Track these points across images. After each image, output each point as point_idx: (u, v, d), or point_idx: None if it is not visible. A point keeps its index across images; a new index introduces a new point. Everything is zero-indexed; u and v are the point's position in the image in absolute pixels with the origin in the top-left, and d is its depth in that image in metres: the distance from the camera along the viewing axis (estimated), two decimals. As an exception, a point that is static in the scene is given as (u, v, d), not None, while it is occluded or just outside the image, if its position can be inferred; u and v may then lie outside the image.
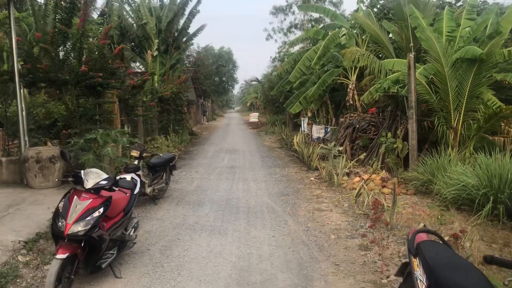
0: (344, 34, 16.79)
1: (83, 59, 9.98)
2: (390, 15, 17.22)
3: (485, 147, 9.90)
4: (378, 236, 5.04)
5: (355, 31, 17.59)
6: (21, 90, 9.50)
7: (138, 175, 8.08)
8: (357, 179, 10.27)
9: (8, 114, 10.78)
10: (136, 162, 8.23)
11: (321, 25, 30.83)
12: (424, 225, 5.97)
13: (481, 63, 10.19)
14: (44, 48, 9.34)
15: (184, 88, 22.55)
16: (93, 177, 4.76)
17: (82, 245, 4.50)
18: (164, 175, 9.22)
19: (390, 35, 16.01)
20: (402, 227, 6.62)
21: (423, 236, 3.15)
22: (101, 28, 14.54)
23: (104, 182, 4.72)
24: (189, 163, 14.73)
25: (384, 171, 11.10)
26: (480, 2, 16.39)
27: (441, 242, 3.19)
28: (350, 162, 11.98)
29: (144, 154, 8.36)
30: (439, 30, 12.57)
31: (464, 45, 11.67)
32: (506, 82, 12.45)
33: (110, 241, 4.98)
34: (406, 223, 6.82)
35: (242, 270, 5.15)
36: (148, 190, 8.43)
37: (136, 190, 5.79)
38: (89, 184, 4.68)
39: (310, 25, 38.13)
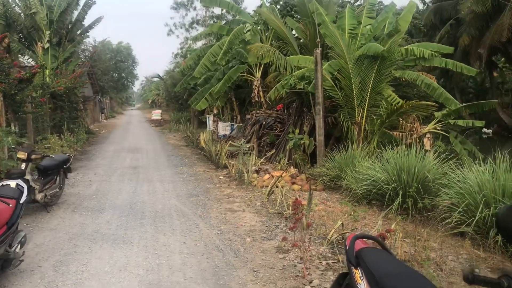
0: (248, 30, 16.60)
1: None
2: (293, 12, 17.39)
3: (387, 142, 10.27)
4: (298, 238, 4.77)
5: (259, 28, 17.49)
6: None
7: (27, 180, 7.15)
8: (267, 176, 10.06)
9: None
10: (23, 165, 7.21)
11: (224, 21, 30.61)
12: (342, 223, 5.83)
13: (382, 60, 10.48)
14: None
15: (79, 83, 20.94)
16: (-35, 186, 3.91)
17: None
18: (58, 178, 8.24)
19: (294, 32, 16.14)
20: (317, 225, 6.45)
21: (360, 243, 2.88)
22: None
23: (-21, 193, 3.90)
24: (86, 164, 13.58)
25: (292, 167, 11.04)
26: (377, 2, 17.09)
27: (380, 247, 2.94)
28: (258, 159, 11.78)
29: (33, 156, 7.34)
30: (342, 27, 12.84)
31: (365, 42, 12.02)
32: (403, 79, 13.06)
33: (-10, 262, 4.17)
34: (321, 221, 6.67)
35: (152, 285, 4.58)
36: (39, 196, 7.44)
37: (23, 199, 4.94)
38: (-41, 195, 3.84)
39: (212, 22, 37.70)
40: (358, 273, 2.57)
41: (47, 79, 17.52)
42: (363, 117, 10.54)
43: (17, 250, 4.73)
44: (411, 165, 7.39)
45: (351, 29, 12.93)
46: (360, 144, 10.24)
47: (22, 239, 4.90)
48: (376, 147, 10.20)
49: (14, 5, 22.18)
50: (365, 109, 10.53)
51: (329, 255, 5.28)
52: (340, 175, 8.91)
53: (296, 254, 5.21)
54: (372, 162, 8.45)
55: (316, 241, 5.75)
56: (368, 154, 9.56)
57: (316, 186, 9.31)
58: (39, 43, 21.07)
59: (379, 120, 10.46)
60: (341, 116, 10.77)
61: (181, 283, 4.61)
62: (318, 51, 10.05)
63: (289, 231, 6.08)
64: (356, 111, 10.59)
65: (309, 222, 5.32)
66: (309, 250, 4.97)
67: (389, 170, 7.58)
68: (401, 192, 7.14)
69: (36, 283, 4.69)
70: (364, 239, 3.07)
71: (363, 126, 10.53)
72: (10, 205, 4.25)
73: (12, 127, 12.04)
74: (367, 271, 2.43)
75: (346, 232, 5.68)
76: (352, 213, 7.07)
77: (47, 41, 21.77)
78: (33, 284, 4.66)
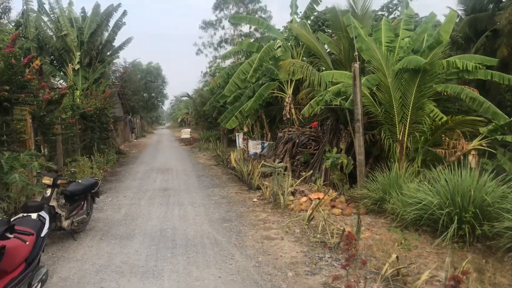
0: (279, 46, 16.20)
1: (-17, 69, 8.44)
2: (325, 26, 16.91)
3: (430, 160, 9.58)
4: (352, 277, 4.16)
5: (290, 43, 17.05)
6: None
7: (52, 207, 6.80)
8: (304, 199, 9.47)
9: None
10: (49, 191, 6.85)
11: (252, 39, 30.46)
12: (397, 256, 5.15)
13: (424, 73, 9.87)
14: None
15: (109, 103, 20.89)
16: (-23, 221, 3.49)
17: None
18: (85, 204, 7.86)
19: (326, 47, 15.62)
20: (366, 256, 5.80)
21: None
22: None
23: (-7, 229, 3.47)
24: (116, 186, 13.26)
25: (330, 188, 10.42)
26: (414, 15, 16.43)
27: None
28: (292, 180, 11.19)
29: (59, 181, 6.98)
30: (378, 41, 12.25)
31: (404, 55, 11.42)
32: (445, 94, 12.32)
33: (7, 305, 3.72)
34: (370, 252, 6.02)
35: (185, 330, 4.05)
36: (66, 223, 7.05)
37: (44, 231, 4.52)
38: (-29, 232, 3.41)
39: (240, 40, 37.72)
40: None
41: (77, 100, 17.45)
42: (405, 134, 9.87)
43: (37, 289, 4.28)
44: (466, 187, 6.68)
45: (388, 42, 12.32)
46: (403, 163, 9.57)
47: (43, 277, 4.45)
48: (420, 166, 9.52)
49: (46, 28, 22.46)
50: (407, 126, 9.86)
51: (385, 294, 4.64)
52: (384, 197, 8.24)
53: (347, 293, 4.59)
54: (419, 183, 7.78)
55: (368, 276, 5.10)
56: (413, 174, 8.88)
57: (357, 210, 8.64)
58: (70, 64, 21.19)
59: (422, 137, 9.78)
60: (382, 133, 10.11)
61: (219, 329, 4.06)
62: (356, 65, 9.49)
63: (335, 264, 5.48)
64: (397, 128, 9.93)
65: (364, 259, 4.66)
66: (365, 291, 4.35)
67: (441, 192, 6.89)
68: (456, 217, 6.44)
69: (58, 326, 4.23)
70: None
71: (405, 144, 9.86)
72: (27, 243, 3.81)
73: (42, 149, 11.84)
74: None
75: (402, 267, 5.02)
76: (403, 241, 6.40)
77: (78, 62, 21.97)
78: (55, 327, 4.20)
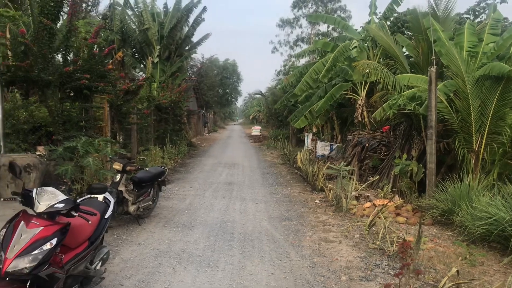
0: (355, 47, 15.87)
1: (69, 58, 9.02)
2: (404, 28, 16.33)
3: (508, 174, 8.98)
4: (406, 287, 3.99)
5: (366, 44, 16.63)
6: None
7: (120, 191, 7.15)
8: (368, 204, 9.23)
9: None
10: (118, 176, 7.22)
11: (329, 38, 30.12)
12: (458, 270, 4.87)
13: (508, 81, 9.21)
14: (24, 44, 8.37)
15: (184, 97, 21.60)
16: (47, 198, 3.72)
17: (28, 285, 3.46)
18: (152, 191, 8.19)
19: (404, 50, 15.08)
20: (425, 268, 5.55)
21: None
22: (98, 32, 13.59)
23: (60, 206, 3.69)
24: (184, 176, 13.70)
25: (397, 196, 10.07)
26: (502, 18, 15.42)
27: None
28: (358, 184, 10.94)
29: (128, 168, 7.33)
30: (460, 45, 11.62)
31: (487, 61, 10.74)
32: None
33: (69, 278, 3.97)
34: (430, 263, 5.74)
35: (232, 322, 4.09)
36: (132, 208, 7.40)
37: (108, 213, 4.75)
38: (41, 207, 3.65)
39: (317, 39, 37.43)
40: None
41: (154, 92, 18.19)
42: (481, 144, 9.32)
43: (98, 267, 4.51)
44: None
45: (470, 47, 11.66)
46: (477, 174, 9.03)
47: (104, 256, 4.69)
48: (495, 179, 8.94)
49: (129, 21, 23.61)
50: (485, 136, 9.29)
51: (442, 309, 4.41)
52: (453, 209, 7.82)
53: (401, 303, 4.42)
54: (493, 197, 7.31)
55: (425, 289, 4.88)
56: (487, 187, 8.36)
57: (423, 220, 8.28)
58: (149, 57, 22.12)
59: (501, 149, 9.17)
60: (456, 142, 9.61)
61: (265, 325, 4.07)
62: (433, 69, 9.08)
63: (392, 273, 5.29)
64: (474, 138, 9.38)
65: (419, 270, 4.43)
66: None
67: (515, 208, 6.44)
68: (530, 237, 5.99)
69: (114, 303, 4.44)
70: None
71: (481, 155, 9.31)
72: (90, 222, 4.03)
73: (118, 137, 12.49)
74: None
75: (463, 282, 4.75)
76: (468, 256, 6.05)
77: (157, 55, 22.89)
78: (111, 305, 4.41)
